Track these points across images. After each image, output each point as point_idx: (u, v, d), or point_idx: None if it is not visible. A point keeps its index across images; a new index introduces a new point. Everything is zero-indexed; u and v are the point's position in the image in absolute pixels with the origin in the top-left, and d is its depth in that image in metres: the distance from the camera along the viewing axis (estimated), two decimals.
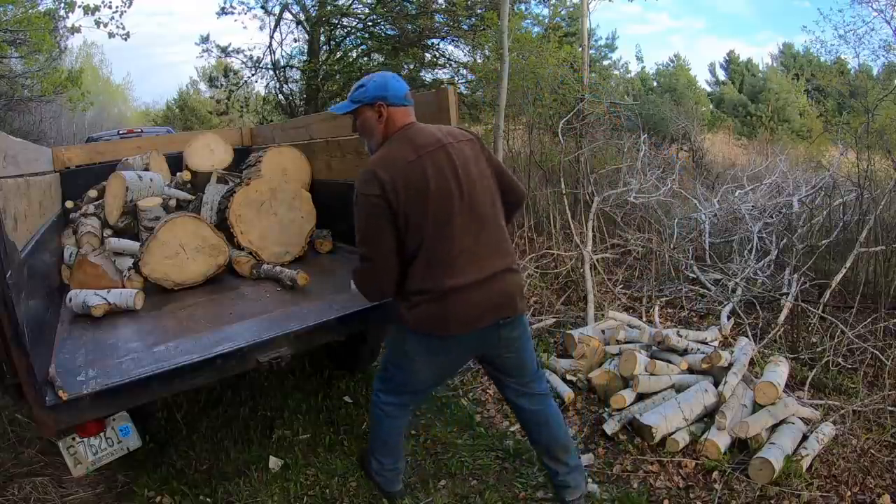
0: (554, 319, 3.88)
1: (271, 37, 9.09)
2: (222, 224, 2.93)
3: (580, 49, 7.33)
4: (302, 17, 9.10)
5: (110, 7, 7.57)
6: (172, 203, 3.30)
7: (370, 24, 8.98)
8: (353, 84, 1.90)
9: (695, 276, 4.36)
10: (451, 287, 1.70)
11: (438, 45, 9.24)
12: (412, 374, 1.94)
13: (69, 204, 3.66)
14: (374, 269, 1.77)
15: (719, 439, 2.36)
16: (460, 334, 1.75)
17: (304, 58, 9.27)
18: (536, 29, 9.10)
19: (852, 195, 4.15)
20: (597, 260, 4.51)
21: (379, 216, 1.68)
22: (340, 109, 1.94)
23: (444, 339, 1.78)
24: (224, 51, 9.53)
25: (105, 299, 2.28)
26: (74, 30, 7.84)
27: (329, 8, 8.97)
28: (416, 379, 1.95)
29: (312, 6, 9.04)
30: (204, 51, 9.57)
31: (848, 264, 3.57)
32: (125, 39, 7.95)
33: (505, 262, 1.81)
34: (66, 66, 11.65)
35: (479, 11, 8.25)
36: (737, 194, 5.61)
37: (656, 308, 3.81)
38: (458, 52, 9.29)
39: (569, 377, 3.04)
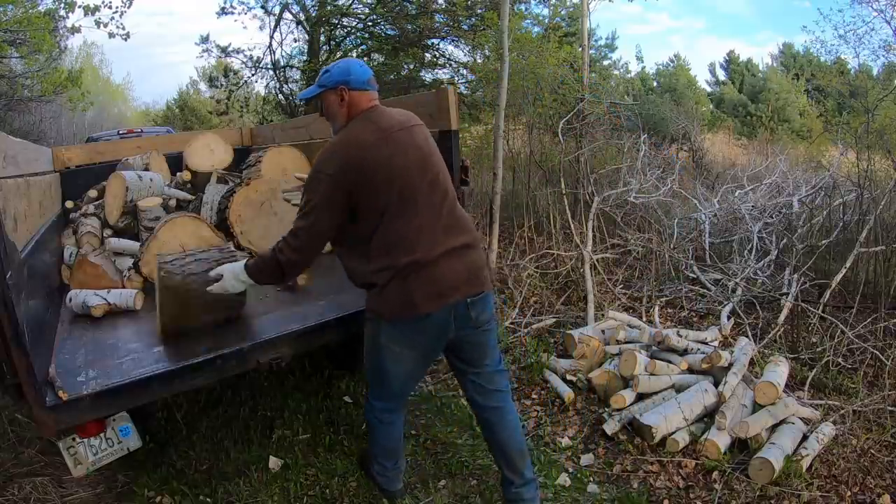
0: (554, 319, 3.88)
1: (271, 37, 9.10)
2: (222, 224, 2.93)
3: (580, 49, 7.32)
4: (302, 17, 9.10)
5: (110, 7, 7.58)
6: (172, 203, 3.30)
7: (370, 24, 8.97)
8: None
9: (695, 276, 4.36)
10: (413, 261, 1.71)
11: (438, 45, 9.24)
12: (395, 368, 1.91)
13: (69, 204, 3.66)
14: (302, 243, 1.76)
15: (719, 439, 2.36)
16: (431, 312, 1.74)
17: (304, 58, 9.27)
18: (536, 29, 9.10)
19: (852, 195, 4.15)
20: (597, 260, 4.51)
21: (330, 195, 1.70)
22: (307, 94, 2.00)
23: (416, 322, 1.76)
24: (224, 51, 9.54)
25: (105, 299, 2.28)
26: (74, 30, 7.85)
27: (329, 8, 8.96)
28: (399, 372, 1.92)
29: (312, 6, 9.04)
30: (204, 51, 9.58)
31: (848, 264, 3.58)
32: (125, 39, 7.96)
33: (468, 238, 1.83)
34: (66, 66, 11.65)
35: (479, 11, 8.24)
36: (737, 194, 5.61)
37: (656, 308, 3.81)
38: (458, 52, 9.29)
39: (569, 377, 3.04)
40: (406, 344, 1.84)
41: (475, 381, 1.98)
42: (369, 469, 2.20)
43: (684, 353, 2.92)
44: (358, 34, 9.27)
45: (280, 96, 9.73)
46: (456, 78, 9.22)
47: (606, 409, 2.73)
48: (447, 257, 1.76)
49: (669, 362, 2.86)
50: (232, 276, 1.89)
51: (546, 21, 9.71)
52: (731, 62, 22.30)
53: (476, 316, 1.83)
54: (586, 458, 2.44)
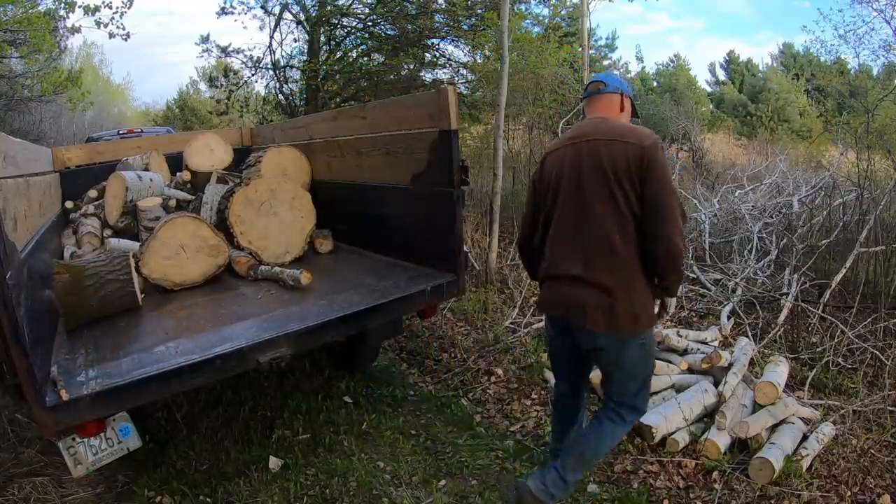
0: None
1: (271, 37, 9.08)
2: (222, 224, 2.93)
3: (580, 49, 7.33)
4: (302, 17, 9.09)
5: (110, 7, 7.57)
6: (172, 203, 3.30)
7: (370, 24, 8.97)
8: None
9: (695, 276, 4.36)
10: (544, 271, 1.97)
11: (438, 45, 9.22)
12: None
13: (69, 204, 3.67)
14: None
15: (719, 439, 2.36)
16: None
17: (304, 58, 9.26)
18: (536, 29, 9.10)
19: (852, 195, 4.15)
20: None
21: (532, 185, 2.06)
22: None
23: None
24: (224, 51, 9.52)
25: None
26: (74, 30, 7.84)
27: (329, 8, 8.95)
28: None
29: (312, 6, 9.03)
30: (204, 51, 9.56)
31: (848, 264, 3.57)
32: (125, 40, 7.95)
33: (589, 272, 1.79)
34: (66, 66, 11.65)
35: (479, 11, 8.24)
36: (737, 194, 5.61)
37: (656, 308, 3.80)
38: (458, 52, 9.28)
39: None
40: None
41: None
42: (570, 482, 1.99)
43: (684, 353, 2.92)
44: (358, 34, 9.26)
45: (280, 96, 9.72)
46: (456, 78, 9.21)
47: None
48: (561, 280, 1.91)
49: (669, 362, 2.86)
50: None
51: (546, 21, 9.72)
52: (731, 62, 22.31)
53: (585, 346, 1.93)
54: None
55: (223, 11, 9.17)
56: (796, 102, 17.94)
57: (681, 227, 1.75)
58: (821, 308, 3.42)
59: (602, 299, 1.77)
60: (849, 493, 2.11)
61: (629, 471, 2.36)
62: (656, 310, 1.93)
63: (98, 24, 7.59)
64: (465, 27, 8.63)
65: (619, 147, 1.76)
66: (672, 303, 2.00)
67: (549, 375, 3.11)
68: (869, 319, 3.23)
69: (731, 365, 2.72)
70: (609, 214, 1.76)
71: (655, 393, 2.72)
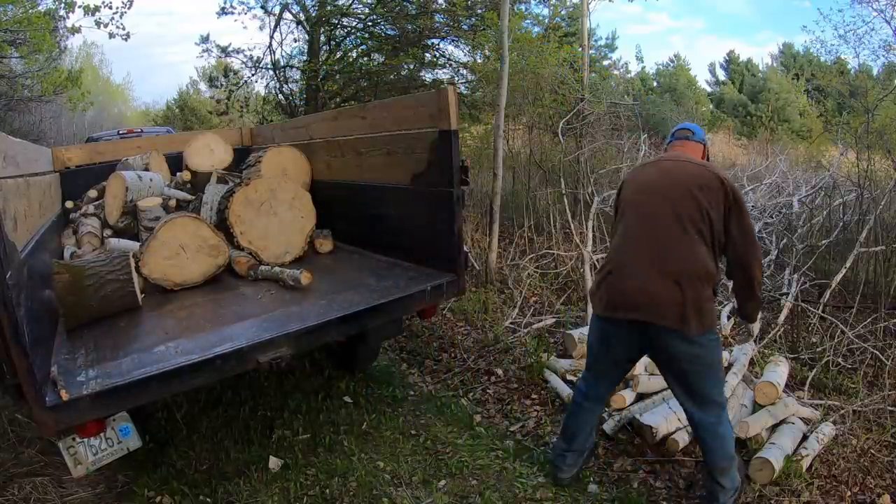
0: (554, 319, 3.88)
1: (271, 37, 9.07)
2: (222, 224, 2.93)
3: (580, 49, 7.33)
4: (302, 17, 9.08)
5: (110, 7, 7.57)
6: (172, 203, 3.30)
7: (370, 24, 8.96)
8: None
9: None
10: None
11: (438, 45, 9.22)
12: None
13: (69, 204, 3.67)
14: None
15: None
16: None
17: (304, 58, 9.25)
18: (536, 29, 9.09)
19: (852, 195, 4.15)
20: (597, 260, 4.50)
21: (615, 206, 2.22)
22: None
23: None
24: (224, 51, 9.52)
25: None
26: (74, 30, 7.83)
27: (329, 8, 8.95)
28: None
29: (312, 6, 9.02)
30: (204, 51, 9.56)
31: (848, 264, 3.57)
32: (125, 40, 7.94)
33: (665, 274, 1.88)
34: (66, 66, 11.65)
35: (479, 11, 8.23)
36: None
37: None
38: (458, 52, 9.27)
39: (569, 377, 3.04)
40: None
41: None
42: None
43: None
44: (358, 34, 9.26)
45: (280, 96, 9.71)
46: (456, 78, 9.21)
47: (606, 409, 2.72)
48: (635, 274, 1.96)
49: None
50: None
51: (546, 21, 9.71)
52: (731, 62, 22.31)
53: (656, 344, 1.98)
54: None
55: (223, 11, 9.18)
56: (796, 102, 17.95)
57: (760, 258, 1.97)
58: (821, 308, 3.42)
59: (679, 298, 1.86)
60: (849, 493, 2.11)
61: (629, 471, 2.36)
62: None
63: (98, 24, 7.59)
64: (465, 27, 8.63)
65: (705, 174, 1.95)
66: (755, 328, 2.30)
67: (549, 376, 3.11)
68: (869, 319, 3.23)
69: (731, 365, 2.72)
70: (688, 228, 1.89)
71: (655, 393, 2.72)
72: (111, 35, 7.78)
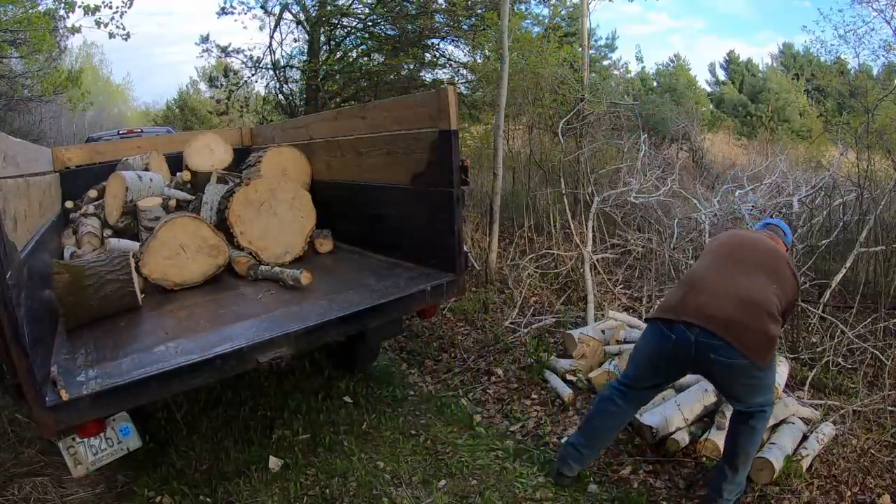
0: (554, 319, 3.88)
1: (271, 37, 9.07)
2: (222, 224, 2.93)
3: (580, 49, 7.32)
4: (302, 17, 9.08)
5: (110, 7, 7.56)
6: (172, 203, 3.30)
7: (370, 24, 8.96)
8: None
9: None
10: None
11: (438, 45, 9.22)
12: None
13: (69, 204, 3.67)
14: None
15: (719, 439, 2.35)
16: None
17: (304, 58, 9.25)
18: (536, 29, 9.08)
19: (852, 195, 4.15)
20: (597, 260, 4.51)
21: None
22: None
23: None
24: (224, 51, 9.52)
25: None
26: (74, 30, 7.83)
27: (329, 8, 8.95)
28: None
29: (312, 6, 9.02)
30: (204, 51, 9.55)
31: (848, 264, 3.57)
32: (125, 40, 7.94)
33: (753, 299, 1.93)
34: (66, 66, 11.64)
35: (479, 11, 8.23)
36: (737, 194, 5.59)
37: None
38: (458, 52, 9.27)
39: (569, 377, 3.04)
40: None
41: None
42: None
43: None
44: (358, 34, 9.26)
45: (280, 96, 9.71)
46: (456, 78, 9.21)
47: None
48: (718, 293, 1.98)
49: None
50: None
51: (546, 21, 9.70)
52: (731, 62, 22.29)
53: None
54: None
55: (223, 11, 9.18)
56: (796, 102, 17.93)
57: None
58: (821, 308, 3.41)
59: (763, 328, 1.90)
60: (849, 493, 2.11)
61: (629, 471, 2.36)
62: None
63: (98, 24, 7.59)
64: (465, 27, 8.63)
65: (781, 250, 2.20)
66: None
67: (549, 376, 3.11)
68: (869, 319, 3.23)
69: None
70: (772, 285, 2.00)
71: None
72: (111, 35, 7.78)
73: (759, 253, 2.11)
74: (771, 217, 3.78)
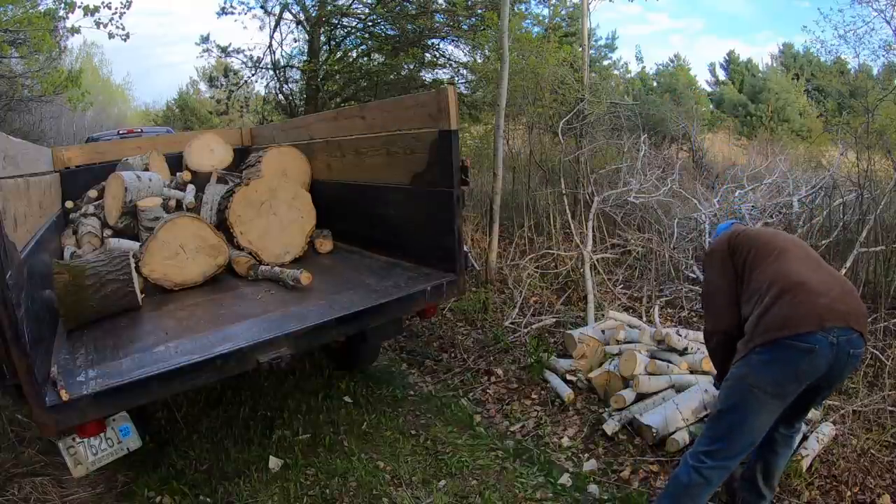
0: (554, 319, 3.88)
1: (271, 37, 9.08)
2: (222, 224, 2.93)
3: (580, 49, 7.32)
4: (302, 17, 9.08)
5: (110, 7, 7.55)
6: (172, 203, 3.30)
7: (370, 24, 8.96)
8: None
9: (695, 276, 4.36)
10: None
11: (438, 45, 9.21)
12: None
13: (69, 204, 3.67)
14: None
15: None
16: None
17: (304, 58, 9.24)
18: (536, 29, 9.09)
19: (852, 195, 4.15)
20: (597, 260, 4.51)
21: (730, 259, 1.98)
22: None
23: None
24: (224, 51, 9.51)
25: None
26: (74, 30, 7.81)
27: (329, 8, 8.94)
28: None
29: (312, 6, 9.02)
30: (204, 51, 9.55)
31: (848, 264, 3.57)
32: (125, 40, 7.92)
33: (845, 283, 1.82)
34: (66, 66, 11.63)
35: (479, 11, 8.23)
36: (737, 194, 5.60)
37: (656, 308, 3.80)
38: (458, 52, 9.27)
39: (569, 377, 3.04)
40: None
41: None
42: None
43: (684, 352, 2.92)
44: (358, 34, 9.26)
45: (280, 96, 9.72)
46: (456, 78, 9.21)
47: (606, 409, 2.73)
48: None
49: (669, 362, 2.86)
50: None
51: (546, 21, 9.71)
52: (731, 62, 22.29)
53: None
54: (588, 464, 2.44)
55: (223, 11, 9.18)
56: (796, 102, 17.92)
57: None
58: None
59: (863, 309, 1.78)
60: (849, 493, 2.11)
61: (629, 471, 2.36)
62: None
63: (98, 24, 7.57)
64: (465, 27, 8.63)
65: None
66: None
67: (549, 376, 3.11)
68: (869, 319, 3.22)
69: None
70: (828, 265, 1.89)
71: (655, 393, 2.72)
72: (111, 35, 7.76)
73: (800, 244, 1.96)
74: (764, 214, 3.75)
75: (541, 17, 9.87)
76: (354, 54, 9.48)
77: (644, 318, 3.70)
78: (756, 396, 1.69)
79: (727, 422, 1.75)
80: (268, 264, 2.79)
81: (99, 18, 7.52)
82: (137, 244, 2.91)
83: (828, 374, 1.72)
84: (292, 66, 9.50)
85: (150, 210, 3.09)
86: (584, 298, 4.08)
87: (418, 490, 2.29)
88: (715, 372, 2.10)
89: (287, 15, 9.01)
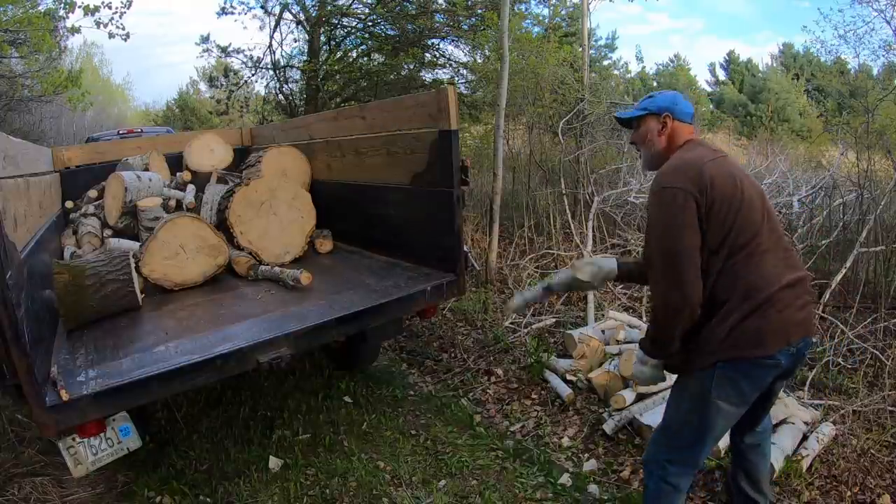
0: (554, 319, 3.88)
1: (271, 37, 9.08)
2: (222, 224, 2.93)
3: (580, 49, 7.32)
4: (302, 17, 9.08)
5: (110, 7, 7.55)
6: (172, 203, 3.30)
7: (370, 24, 8.97)
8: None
9: None
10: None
11: (438, 45, 9.22)
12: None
13: (69, 204, 3.67)
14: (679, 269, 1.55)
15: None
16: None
17: (304, 58, 9.25)
18: (536, 29, 9.09)
19: (852, 195, 4.15)
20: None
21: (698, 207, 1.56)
22: (625, 115, 1.88)
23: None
24: (224, 51, 9.52)
25: None
26: (74, 30, 7.81)
27: (329, 8, 8.95)
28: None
29: (312, 6, 9.02)
30: (204, 51, 9.56)
31: (848, 264, 3.57)
32: (125, 40, 7.92)
33: (806, 280, 1.65)
34: (66, 66, 11.63)
35: (479, 11, 8.24)
36: None
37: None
38: (458, 52, 9.27)
39: (569, 377, 3.04)
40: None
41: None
42: None
43: None
44: (358, 34, 9.26)
45: (280, 96, 9.72)
46: (456, 78, 9.21)
47: (606, 409, 2.73)
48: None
49: None
50: (639, 363, 1.73)
51: (546, 21, 9.71)
52: (731, 62, 22.32)
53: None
54: (589, 465, 2.43)
55: (223, 11, 9.19)
56: (796, 102, 17.94)
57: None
58: (821, 308, 3.41)
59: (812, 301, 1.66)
60: (849, 493, 2.11)
61: (629, 471, 2.36)
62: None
63: (98, 24, 7.57)
64: (465, 27, 8.63)
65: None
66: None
67: (549, 376, 3.11)
68: (869, 319, 3.22)
69: None
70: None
71: (655, 393, 2.72)
72: (111, 35, 7.77)
73: (769, 216, 1.66)
74: None
75: (541, 17, 9.87)
76: (354, 54, 9.48)
77: (644, 318, 3.70)
78: (719, 408, 1.61)
79: (690, 434, 1.68)
80: (268, 264, 2.79)
81: (99, 18, 7.52)
82: (137, 244, 2.91)
83: (781, 376, 1.69)
84: (292, 66, 9.51)
85: (150, 210, 3.09)
86: (584, 298, 4.08)
87: (418, 490, 2.29)
88: (648, 346, 1.71)
89: (287, 15, 9.02)
